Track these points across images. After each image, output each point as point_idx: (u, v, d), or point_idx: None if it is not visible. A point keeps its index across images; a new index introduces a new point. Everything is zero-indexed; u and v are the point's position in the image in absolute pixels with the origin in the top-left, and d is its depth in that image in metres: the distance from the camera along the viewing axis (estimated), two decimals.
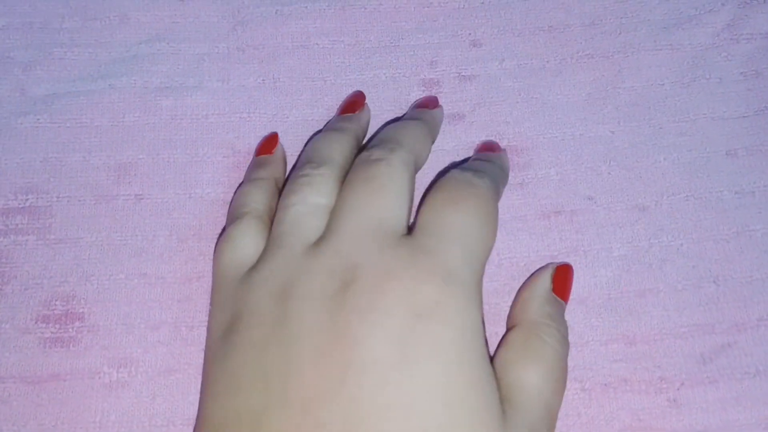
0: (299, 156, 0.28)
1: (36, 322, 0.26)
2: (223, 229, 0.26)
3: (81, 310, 0.26)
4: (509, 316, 0.26)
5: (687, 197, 0.28)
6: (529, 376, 0.23)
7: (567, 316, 0.26)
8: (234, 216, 0.26)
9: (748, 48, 0.31)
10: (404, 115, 0.29)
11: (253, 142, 0.29)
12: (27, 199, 0.28)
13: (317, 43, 0.31)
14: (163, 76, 0.30)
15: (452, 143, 0.29)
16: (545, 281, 0.26)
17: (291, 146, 0.29)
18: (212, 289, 0.25)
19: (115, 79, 0.30)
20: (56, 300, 0.27)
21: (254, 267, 0.24)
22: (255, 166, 0.28)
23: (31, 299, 0.27)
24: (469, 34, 0.31)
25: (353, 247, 0.22)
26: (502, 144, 0.29)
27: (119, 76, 0.30)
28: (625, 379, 0.26)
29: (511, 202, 0.28)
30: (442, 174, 0.28)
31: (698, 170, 0.29)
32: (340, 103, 0.30)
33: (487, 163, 0.27)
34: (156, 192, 0.28)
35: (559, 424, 0.25)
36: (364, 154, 0.25)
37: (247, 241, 0.25)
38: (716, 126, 0.29)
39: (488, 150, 0.28)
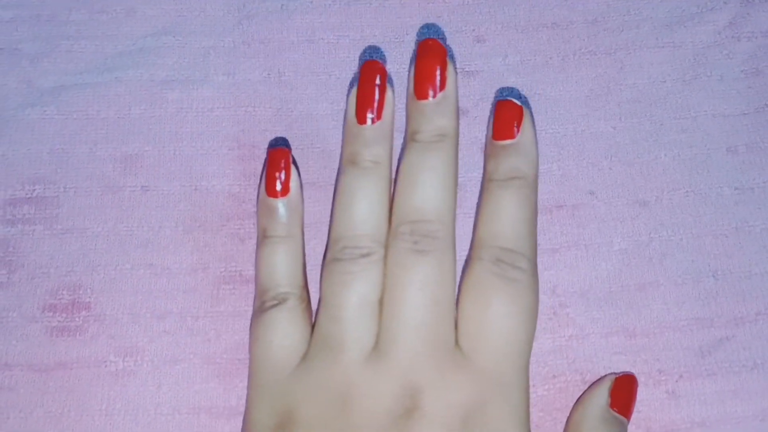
0: (331, 218, 0.26)
1: (43, 311, 0.27)
2: (258, 307, 0.25)
3: (87, 300, 0.27)
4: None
5: (687, 193, 0.28)
6: None
7: (568, 309, 0.26)
8: (269, 294, 0.25)
9: (749, 46, 0.31)
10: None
11: (258, 135, 0.29)
12: (34, 190, 0.28)
13: (322, 38, 0.31)
14: (169, 69, 0.30)
15: None
16: (600, 397, 0.25)
17: (296, 140, 0.29)
18: (253, 377, 0.24)
19: (121, 71, 0.30)
20: (63, 289, 0.27)
21: (308, 365, 0.24)
22: (273, 213, 0.26)
23: (38, 288, 0.27)
24: (473, 30, 0.31)
25: (413, 366, 0.23)
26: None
27: (126, 69, 0.30)
28: (624, 371, 0.26)
29: None
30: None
31: (698, 166, 0.29)
32: (348, 97, 0.27)
33: (510, 193, 0.25)
34: (162, 184, 0.28)
35: (559, 415, 0.26)
36: (407, 241, 0.24)
37: (294, 330, 0.24)
38: (717, 123, 0.30)
39: (502, 138, 0.26)
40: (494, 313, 0.23)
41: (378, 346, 0.23)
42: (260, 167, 0.29)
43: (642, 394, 0.26)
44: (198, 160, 0.29)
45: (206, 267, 0.27)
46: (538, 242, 0.28)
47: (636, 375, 0.26)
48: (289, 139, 0.29)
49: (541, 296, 0.27)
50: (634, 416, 0.25)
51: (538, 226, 0.28)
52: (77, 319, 0.26)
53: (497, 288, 0.23)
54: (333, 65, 0.31)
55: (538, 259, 0.27)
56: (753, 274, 0.27)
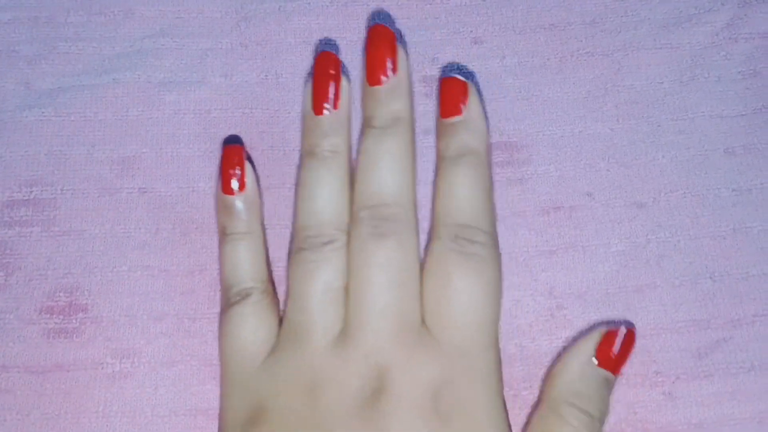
0: (294, 210, 0.26)
1: (40, 313, 0.27)
2: (224, 304, 0.26)
3: (84, 302, 0.27)
4: (541, 389, 0.25)
5: (685, 194, 0.28)
6: None
7: (566, 311, 0.26)
8: (233, 290, 0.25)
9: (746, 47, 0.31)
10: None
11: (256, 137, 0.29)
12: (32, 192, 0.28)
13: (320, 40, 0.31)
14: (166, 71, 0.30)
15: None
16: (583, 352, 0.24)
17: (293, 142, 0.29)
18: (224, 373, 0.25)
19: (119, 73, 0.30)
20: (60, 291, 0.27)
21: (276, 356, 0.24)
22: (231, 210, 0.26)
23: (35, 290, 0.27)
24: (471, 31, 0.31)
25: (379, 348, 0.23)
26: (502, 141, 0.29)
27: (123, 71, 0.30)
28: (621, 372, 0.26)
29: (511, 197, 0.28)
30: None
31: (696, 168, 0.29)
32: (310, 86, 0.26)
33: (463, 165, 0.25)
34: (159, 185, 0.28)
35: None
36: (367, 226, 0.24)
37: (260, 324, 0.25)
38: (714, 124, 0.30)
39: (449, 115, 0.26)
40: (456, 289, 0.23)
41: (344, 332, 0.23)
42: (258, 169, 0.29)
43: (639, 395, 0.26)
44: (195, 162, 0.29)
45: (203, 269, 0.27)
46: (535, 244, 0.28)
47: (633, 376, 0.26)
48: (286, 141, 0.29)
49: (539, 298, 0.27)
50: (630, 418, 0.25)
51: (536, 227, 0.28)
52: (74, 321, 0.26)
53: (457, 264, 0.23)
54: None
55: (536, 261, 0.27)
56: (750, 275, 0.27)
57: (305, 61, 0.31)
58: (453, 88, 0.26)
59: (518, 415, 0.25)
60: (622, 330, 0.25)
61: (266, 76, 0.30)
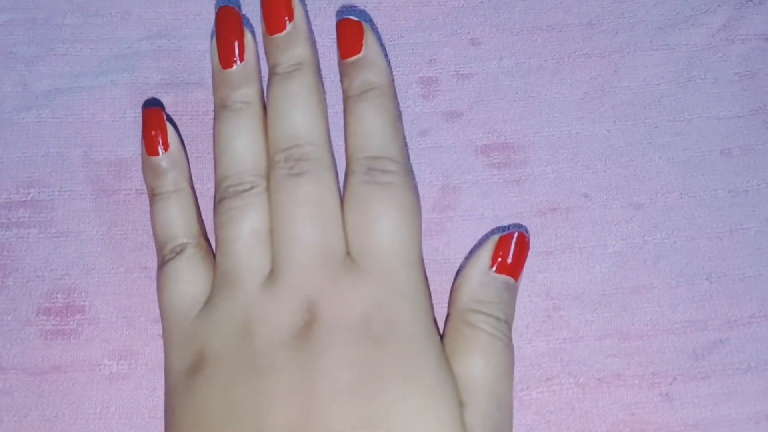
0: (214, 164, 0.27)
1: (37, 315, 0.27)
2: (160, 262, 0.26)
3: (82, 303, 0.27)
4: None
5: (681, 195, 0.28)
6: (466, 367, 0.23)
7: (562, 312, 0.26)
8: (167, 247, 0.26)
9: (743, 49, 0.31)
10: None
11: None
12: (29, 193, 0.28)
13: (317, 41, 0.31)
14: (164, 72, 0.30)
15: (450, 141, 0.29)
16: (480, 260, 0.25)
17: None
18: (164, 328, 0.25)
19: (116, 75, 0.30)
20: (57, 293, 0.27)
21: (210, 303, 0.24)
22: (157, 171, 0.27)
23: (32, 292, 0.27)
24: (468, 32, 0.31)
25: (307, 282, 0.24)
26: (499, 141, 0.29)
27: (121, 72, 0.30)
28: (618, 373, 0.26)
29: (508, 198, 0.28)
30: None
31: (693, 169, 0.29)
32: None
33: (366, 102, 0.26)
34: None
35: (553, 418, 0.26)
36: (283, 168, 0.25)
37: (195, 276, 0.25)
38: (711, 125, 0.30)
39: (349, 56, 0.27)
40: (374, 218, 0.24)
41: (273, 271, 0.24)
42: None
43: (636, 396, 0.26)
44: (193, 163, 0.29)
45: None
46: (532, 244, 0.28)
47: (630, 378, 0.26)
48: None
49: (535, 299, 0.27)
50: (627, 419, 0.25)
51: (532, 228, 0.28)
52: (72, 322, 0.26)
53: (372, 194, 0.24)
54: (328, 68, 0.31)
55: (532, 261, 0.27)
56: (747, 276, 0.27)
57: None
58: (349, 29, 0.27)
59: (516, 415, 0.25)
60: (515, 235, 0.25)
61: (263, 76, 0.30)
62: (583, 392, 0.26)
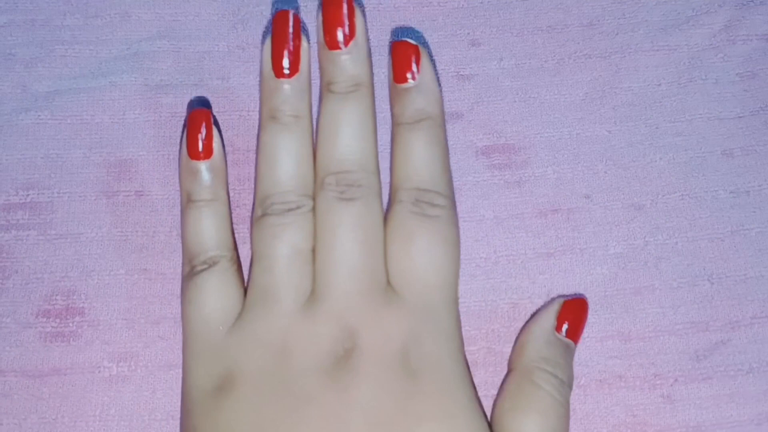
0: (256, 175, 0.26)
1: (37, 317, 0.26)
2: (188, 272, 0.25)
3: (82, 305, 0.27)
4: (509, 359, 0.26)
5: (683, 196, 0.28)
6: (522, 425, 0.23)
7: None
8: (199, 258, 0.25)
9: (744, 49, 0.31)
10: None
11: (252, 140, 0.29)
12: (28, 195, 0.28)
13: (317, 42, 0.31)
14: (163, 73, 0.30)
15: (450, 142, 0.29)
16: (546, 321, 0.25)
17: None
18: (188, 342, 0.24)
19: (116, 76, 0.30)
20: (57, 295, 0.27)
21: (243, 320, 0.24)
22: (196, 176, 0.26)
23: (32, 294, 0.27)
24: (468, 33, 0.31)
25: (350, 308, 0.23)
26: (500, 143, 0.29)
27: (120, 74, 0.30)
28: (620, 375, 0.26)
29: (509, 200, 0.28)
30: None
31: (694, 170, 0.29)
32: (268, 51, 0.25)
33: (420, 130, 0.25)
34: (156, 188, 0.28)
35: None
36: (333, 191, 0.24)
37: (227, 291, 0.24)
38: (712, 126, 0.30)
39: (403, 81, 0.26)
40: (418, 249, 0.24)
41: (314, 293, 0.23)
42: (254, 172, 0.28)
43: (638, 398, 0.26)
44: None
45: None
46: (532, 246, 0.28)
47: (632, 379, 0.26)
48: None
49: (536, 300, 0.27)
50: (629, 420, 0.25)
51: (533, 229, 0.28)
52: (71, 324, 0.26)
53: (418, 226, 0.24)
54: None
55: (533, 263, 0.27)
56: (749, 277, 0.27)
57: None
58: (404, 52, 0.26)
59: None
60: (578, 301, 0.26)
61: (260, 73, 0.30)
62: (585, 394, 0.26)
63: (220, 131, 0.27)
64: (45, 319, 0.26)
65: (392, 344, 0.22)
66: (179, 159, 0.27)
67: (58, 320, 0.26)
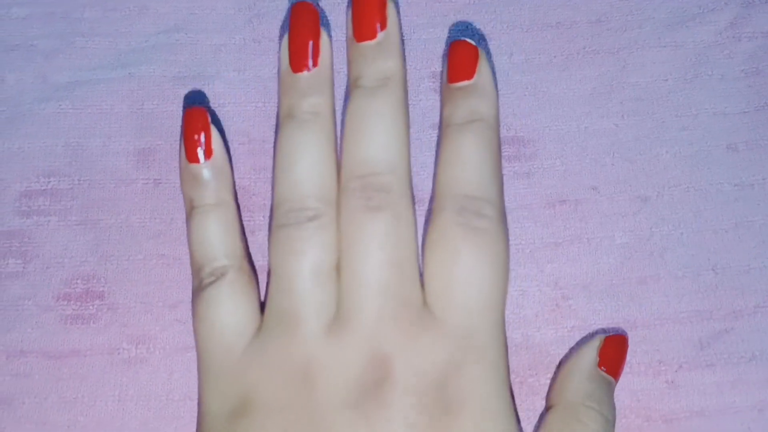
0: (273, 182, 0.24)
1: (57, 300, 0.27)
2: (197, 286, 0.24)
3: (101, 289, 0.27)
4: (548, 394, 0.25)
5: (688, 189, 0.29)
6: None
7: (571, 301, 0.27)
8: (206, 270, 0.23)
9: (749, 46, 0.31)
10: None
11: (268, 130, 0.30)
12: (49, 182, 0.29)
13: (331, 36, 0.32)
14: (180, 65, 0.31)
15: None
16: (589, 356, 0.24)
17: None
18: (201, 361, 0.23)
19: (134, 67, 0.31)
20: (77, 279, 0.27)
21: (262, 341, 0.22)
22: (197, 180, 0.24)
23: (52, 278, 0.27)
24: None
25: (381, 333, 0.21)
26: (509, 135, 0.30)
27: (138, 65, 0.31)
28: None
29: (517, 190, 0.29)
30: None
31: (699, 163, 0.29)
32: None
33: (472, 136, 0.23)
34: (173, 177, 0.29)
35: None
36: (359, 198, 0.22)
37: (238, 306, 0.23)
38: (717, 121, 0.30)
39: (459, 80, 0.24)
40: (462, 268, 0.21)
41: (339, 315, 0.21)
42: (270, 162, 0.29)
43: (642, 383, 0.26)
44: None
45: None
46: (541, 236, 0.28)
47: (636, 365, 0.26)
48: None
49: (544, 288, 0.28)
50: (634, 405, 0.26)
51: (542, 220, 0.28)
52: (91, 307, 0.27)
53: (463, 239, 0.21)
54: (341, 62, 0.31)
55: (542, 253, 0.28)
56: (752, 268, 0.28)
57: None
58: (463, 52, 0.24)
59: (524, 401, 0.26)
60: (619, 337, 0.25)
61: (278, 70, 0.31)
62: None
63: (221, 130, 0.25)
64: (65, 303, 0.27)
65: (429, 375, 0.20)
66: (179, 164, 0.25)
67: (78, 303, 0.27)
